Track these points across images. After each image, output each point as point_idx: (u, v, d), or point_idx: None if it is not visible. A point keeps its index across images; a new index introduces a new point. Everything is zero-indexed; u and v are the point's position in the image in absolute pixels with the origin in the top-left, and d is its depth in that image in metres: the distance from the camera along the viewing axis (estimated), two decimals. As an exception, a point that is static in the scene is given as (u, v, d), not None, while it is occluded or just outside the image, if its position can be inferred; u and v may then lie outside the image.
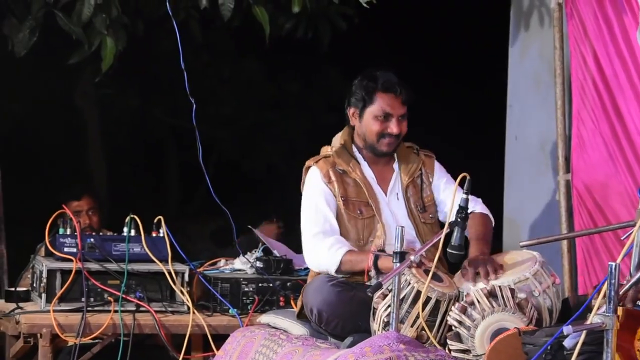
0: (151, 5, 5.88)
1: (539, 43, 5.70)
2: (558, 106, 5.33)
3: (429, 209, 4.50)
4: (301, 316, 4.42)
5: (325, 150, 4.57)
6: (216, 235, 7.99)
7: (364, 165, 4.51)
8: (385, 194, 4.49)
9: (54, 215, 4.79)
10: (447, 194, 4.48)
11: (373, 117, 4.43)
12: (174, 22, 5.03)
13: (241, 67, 9.46)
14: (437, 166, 4.58)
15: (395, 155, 4.55)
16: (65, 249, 4.71)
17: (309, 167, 4.54)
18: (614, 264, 3.05)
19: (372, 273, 4.24)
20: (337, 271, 4.33)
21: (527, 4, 5.78)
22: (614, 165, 4.96)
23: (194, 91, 4.94)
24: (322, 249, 4.36)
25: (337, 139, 4.59)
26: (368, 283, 4.26)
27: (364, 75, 4.50)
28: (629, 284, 3.24)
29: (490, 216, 4.49)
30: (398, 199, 4.49)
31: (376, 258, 4.22)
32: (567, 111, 5.33)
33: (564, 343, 3.17)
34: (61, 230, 4.74)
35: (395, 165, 4.54)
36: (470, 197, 4.39)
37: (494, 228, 4.49)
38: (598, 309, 3.12)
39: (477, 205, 4.45)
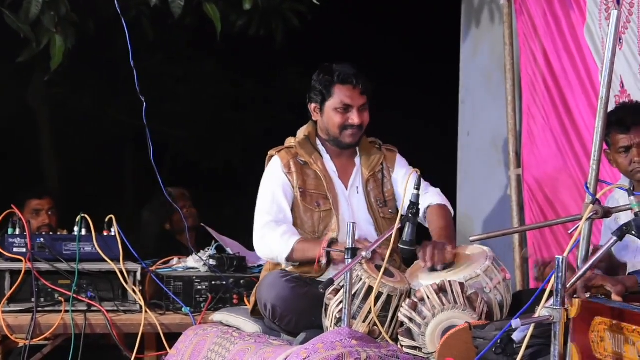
0: (102, 2, 5.82)
1: (489, 39, 5.74)
2: (508, 102, 5.37)
3: (390, 203, 4.50)
4: (255, 313, 4.41)
5: (289, 141, 4.57)
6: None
7: (326, 159, 4.51)
8: (346, 188, 4.49)
9: (3, 215, 4.74)
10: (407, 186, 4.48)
11: (333, 110, 4.43)
12: (123, 20, 4.99)
13: (197, 66, 9.43)
14: (399, 160, 4.59)
15: (358, 149, 4.56)
16: (15, 249, 4.67)
17: (271, 157, 4.53)
18: (561, 257, 3.07)
19: (323, 261, 4.23)
20: (287, 258, 4.31)
21: (477, 1, 5.82)
22: (563, 160, 5.00)
23: (147, 90, 4.92)
24: (274, 236, 4.35)
25: (302, 131, 4.58)
26: (319, 279, 4.27)
27: (321, 69, 4.50)
28: (576, 276, 3.26)
29: (449, 206, 4.50)
30: (358, 192, 4.49)
31: (328, 252, 4.21)
32: (517, 107, 5.37)
33: (513, 336, 3.19)
34: (10, 230, 4.69)
35: (357, 160, 4.55)
36: (428, 188, 4.42)
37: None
38: (546, 301, 3.14)
39: (434, 197, 4.47)
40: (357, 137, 4.48)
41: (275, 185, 4.44)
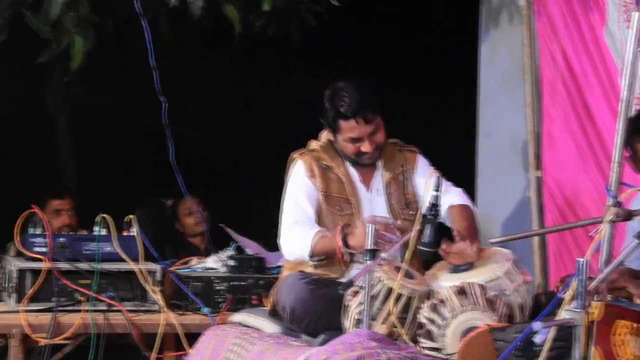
0: (121, 3, 5.84)
1: (508, 41, 5.73)
2: (527, 104, 5.36)
3: (411, 205, 4.49)
4: (274, 314, 4.42)
5: (312, 144, 4.57)
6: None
7: (348, 164, 4.51)
8: (368, 191, 4.50)
9: (24, 215, 4.76)
10: (428, 188, 4.49)
11: (344, 140, 4.43)
12: (143, 21, 5.00)
13: (212, 66, 9.44)
14: (420, 161, 4.58)
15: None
16: (36, 249, 4.68)
17: (294, 159, 4.53)
18: (582, 260, 3.07)
19: (344, 250, 4.23)
20: (311, 254, 4.31)
21: (496, 2, 5.81)
22: (583, 162, 4.99)
23: (164, 90, 4.93)
24: (296, 236, 4.35)
25: (325, 135, 4.58)
26: (338, 280, 4.27)
27: (327, 94, 4.43)
28: (598, 279, 3.26)
29: (471, 206, 4.49)
30: (379, 194, 4.49)
31: (344, 237, 4.20)
32: (536, 109, 5.36)
33: (534, 339, 3.19)
34: (31, 230, 4.72)
35: (379, 163, 4.54)
36: (450, 188, 4.42)
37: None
38: (568, 304, 3.14)
39: (456, 196, 4.46)
40: (375, 157, 4.47)
41: (298, 189, 4.45)
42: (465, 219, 4.37)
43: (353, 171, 4.50)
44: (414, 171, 4.54)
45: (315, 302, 4.17)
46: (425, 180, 4.48)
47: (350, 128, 4.38)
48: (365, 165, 4.50)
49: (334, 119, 4.40)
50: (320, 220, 4.43)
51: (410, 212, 4.48)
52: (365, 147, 4.41)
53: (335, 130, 4.43)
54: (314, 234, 4.29)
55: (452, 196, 4.45)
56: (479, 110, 6.01)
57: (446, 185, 4.47)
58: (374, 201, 4.48)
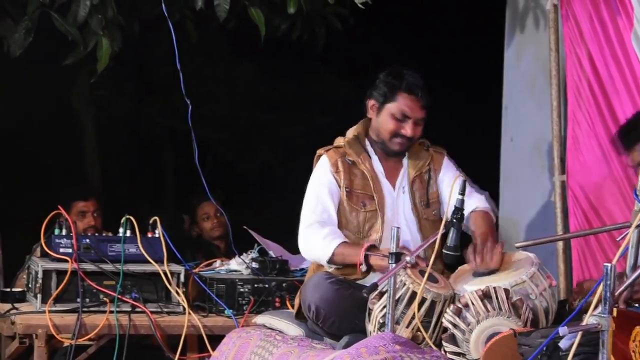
0: (147, 5, 5.87)
1: (534, 45, 5.71)
2: (553, 107, 5.34)
3: (433, 205, 4.49)
4: (299, 316, 4.41)
5: (338, 140, 4.57)
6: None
7: (374, 159, 4.51)
8: (394, 188, 4.49)
9: (50, 216, 4.79)
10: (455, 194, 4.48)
11: (390, 115, 4.43)
12: (170, 23, 5.02)
13: (237, 69, 9.46)
14: (446, 162, 4.57)
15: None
16: (61, 250, 4.70)
17: (319, 156, 4.54)
18: (609, 265, 3.05)
19: (363, 268, 4.24)
20: (329, 261, 4.33)
21: (522, 5, 5.79)
22: (608, 167, 4.96)
23: (189, 92, 4.94)
24: (316, 238, 4.36)
25: (352, 131, 4.58)
26: (362, 282, 4.27)
27: (390, 71, 4.49)
28: (625, 284, 3.24)
29: (491, 213, 4.48)
30: (404, 192, 4.49)
31: (366, 257, 4.21)
32: (562, 113, 5.34)
33: (559, 344, 3.17)
34: (57, 231, 4.74)
35: (405, 160, 4.54)
36: (474, 193, 4.41)
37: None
38: (594, 309, 3.13)
39: (479, 202, 4.45)
40: (405, 147, 4.47)
41: (321, 185, 4.46)
42: (485, 223, 4.36)
43: (379, 167, 4.50)
44: (439, 172, 4.54)
45: (340, 302, 4.17)
46: (449, 181, 4.46)
47: (407, 103, 4.39)
48: (391, 155, 4.49)
49: (393, 89, 4.40)
50: (342, 217, 4.44)
51: (433, 212, 4.47)
52: (407, 129, 4.41)
53: (388, 100, 4.41)
54: (337, 244, 4.30)
55: (476, 201, 4.44)
56: (504, 114, 5.99)
57: (470, 189, 4.46)
58: (398, 199, 4.47)
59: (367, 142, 4.54)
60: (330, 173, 4.45)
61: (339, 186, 4.45)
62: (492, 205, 4.54)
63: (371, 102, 4.50)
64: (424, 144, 4.59)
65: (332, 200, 4.43)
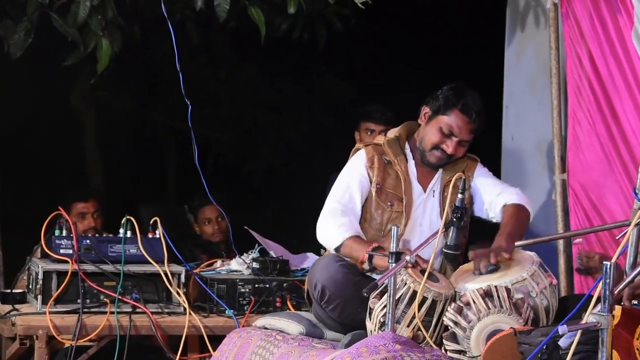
0: (147, 6, 5.87)
1: (534, 43, 5.71)
2: (554, 106, 5.34)
3: (466, 211, 4.48)
4: (308, 298, 4.44)
5: (379, 139, 4.60)
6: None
7: (411, 163, 4.53)
8: (424, 191, 4.50)
9: (50, 217, 4.79)
10: (484, 192, 4.50)
11: (438, 127, 4.45)
12: (170, 24, 5.02)
13: (238, 69, 9.46)
14: (479, 169, 4.59)
15: None
16: (61, 251, 4.70)
17: (358, 149, 4.58)
18: (609, 263, 3.05)
19: (366, 266, 4.24)
20: (336, 250, 4.36)
21: (523, 4, 5.79)
22: (609, 165, 4.96)
23: (190, 93, 4.94)
24: (333, 223, 4.39)
25: (393, 132, 4.61)
26: (370, 275, 4.27)
27: (454, 86, 4.52)
28: (625, 282, 3.24)
29: (526, 205, 4.47)
30: (434, 196, 4.50)
31: (370, 257, 4.22)
32: (562, 111, 5.33)
33: (559, 342, 3.17)
34: (57, 232, 4.74)
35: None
36: (507, 187, 4.43)
37: (493, 225, 4.48)
38: (593, 308, 3.13)
39: (512, 195, 4.46)
40: (442, 162, 4.49)
41: (353, 176, 4.50)
42: (512, 216, 4.36)
43: (413, 171, 4.52)
44: (472, 178, 4.54)
45: (347, 285, 4.20)
46: (483, 187, 4.51)
47: (457, 121, 4.41)
48: (427, 164, 4.50)
49: (449, 104, 4.43)
50: (368, 212, 4.46)
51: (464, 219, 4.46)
52: (449, 146, 4.43)
53: (441, 112, 4.43)
54: (349, 235, 4.32)
55: (509, 195, 4.45)
56: (504, 112, 5.99)
57: (503, 186, 4.52)
58: (427, 202, 4.48)
59: (407, 146, 4.55)
60: (365, 167, 4.49)
61: (370, 181, 4.48)
62: (525, 198, 4.52)
63: (425, 110, 4.52)
64: None
65: (360, 192, 4.47)
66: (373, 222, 4.45)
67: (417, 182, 4.51)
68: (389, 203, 4.46)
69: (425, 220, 4.45)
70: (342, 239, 4.32)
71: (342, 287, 4.18)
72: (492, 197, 4.46)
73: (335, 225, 4.37)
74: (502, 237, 4.22)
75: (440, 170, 4.54)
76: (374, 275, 4.23)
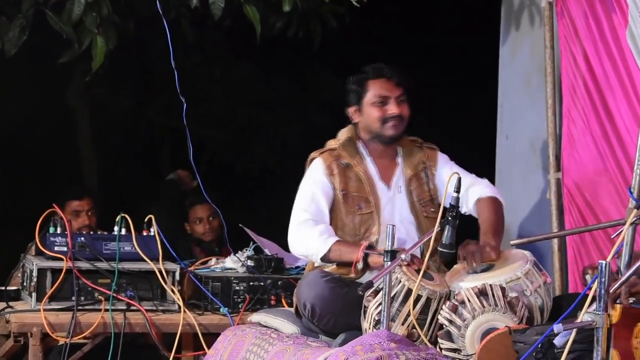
0: (142, 4, 5.87)
1: (529, 42, 5.71)
2: (548, 105, 5.34)
3: (433, 202, 4.50)
4: (298, 314, 4.41)
5: (331, 143, 4.59)
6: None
7: (368, 161, 4.52)
8: (389, 188, 4.49)
9: (44, 214, 4.78)
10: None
11: (371, 105, 4.46)
12: (165, 21, 5.02)
13: (233, 67, 9.46)
14: (441, 157, 4.59)
15: (400, 149, 4.55)
16: (56, 248, 4.71)
17: (313, 159, 4.55)
18: (604, 262, 3.06)
19: (360, 266, 4.24)
20: (323, 258, 4.32)
21: (517, 3, 5.79)
22: (604, 164, 4.96)
23: (185, 91, 4.94)
24: (311, 234, 4.36)
25: (343, 133, 4.60)
26: (358, 280, 4.27)
27: (354, 73, 4.54)
28: (619, 282, 3.24)
29: (499, 197, 4.48)
30: (400, 192, 4.49)
31: (366, 256, 4.22)
32: (557, 110, 5.34)
33: (554, 341, 3.18)
34: (51, 229, 4.74)
35: (399, 159, 4.55)
36: (476, 180, 4.41)
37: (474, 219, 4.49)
38: (588, 306, 3.13)
39: (485, 189, 4.46)
40: (400, 129, 4.48)
41: (315, 185, 4.46)
42: (492, 211, 4.36)
43: (373, 169, 4.50)
44: (435, 168, 4.54)
45: (335, 300, 4.17)
46: (446, 173, 4.45)
47: (379, 86, 4.45)
48: (390, 141, 4.48)
49: (362, 82, 4.47)
50: (338, 220, 4.43)
51: (432, 210, 4.47)
52: (392, 108, 4.43)
53: (362, 94, 4.45)
54: (334, 241, 4.30)
55: (481, 188, 4.45)
56: (499, 111, 5.99)
57: (472, 177, 4.49)
58: (395, 199, 4.47)
59: (359, 144, 4.54)
60: (325, 175, 4.46)
61: (334, 189, 4.45)
62: (496, 189, 4.53)
63: (351, 109, 4.55)
64: (416, 141, 4.60)
65: (326, 201, 4.44)
66: (346, 229, 4.43)
67: (380, 180, 4.49)
68: (357, 207, 4.44)
69: (396, 217, 4.43)
70: (328, 245, 4.30)
71: (331, 303, 4.16)
72: (462, 190, 4.44)
73: (314, 234, 4.34)
74: (489, 235, 4.22)
75: (401, 164, 4.52)
76: (364, 278, 4.23)
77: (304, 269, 4.81)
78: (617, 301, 3.22)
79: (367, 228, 4.42)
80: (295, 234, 4.42)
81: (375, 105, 4.44)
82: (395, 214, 4.44)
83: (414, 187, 4.49)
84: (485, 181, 4.53)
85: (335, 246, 4.30)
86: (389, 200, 4.46)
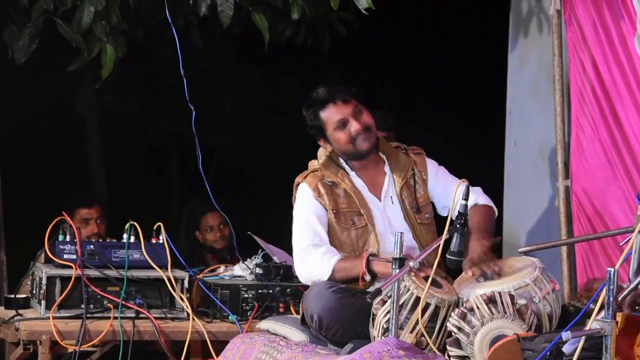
0: (151, 12, 5.89)
1: (538, 50, 5.71)
2: (557, 112, 5.34)
3: (424, 209, 4.49)
4: (304, 323, 4.41)
5: (312, 164, 4.59)
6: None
7: (353, 175, 4.51)
8: (380, 200, 4.49)
9: (53, 222, 4.79)
10: (444, 185, 4.49)
11: (334, 131, 4.45)
12: (174, 29, 5.03)
13: (241, 74, 9.48)
14: (429, 162, 4.58)
15: (385, 157, 4.55)
16: (65, 256, 4.71)
17: (298, 184, 4.56)
18: (612, 269, 3.05)
19: (367, 277, 4.24)
20: (329, 279, 4.32)
21: (526, 10, 5.79)
22: (612, 171, 4.96)
23: (194, 98, 4.95)
24: (313, 259, 4.36)
25: (323, 152, 4.61)
26: (365, 289, 4.27)
27: (304, 107, 4.56)
28: (628, 289, 3.24)
29: (493, 207, 4.49)
30: (392, 202, 4.49)
31: (368, 262, 4.21)
32: (566, 117, 5.34)
33: (563, 349, 3.18)
34: (61, 237, 4.75)
35: (387, 169, 4.54)
36: (471, 188, 4.41)
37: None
38: (597, 314, 3.13)
39: (479, 197, 4.46)
40: (372, 139, 4.47)
41: (306, 211, 4.46)
42: (485, 217, 4.36)
43: (359, 181, 4.50)
44: (425, 173, 4.54)
45: (342, 311, 4.16)
46: (435, 178, 4.50)
47: (332, 113, 4.43)
48: (367, 153, 4.46)
49: (315, 115, 4.47)
50: (334, 239, 4.44)
51: (426, 216, 4.47)
52: (354, 126, 4.41)
53: (322, 126, 4.46)
54: (337, 260, 4.30)
55: (476, 196, 4.44)
56: (507, 118, 5.99)
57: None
58: (387, 209, 4.47)
59: (340, 160, 4.54)
60: (314, 198, 4.46)
61: (325, 209, 4.45)
62: (488, 197, 4.53)
63: (320, 142, 4.56)
64: (400, 148, 4.59)
65: (321, 224, 4.44)
66: (344, 246, 4.42)
67: (369, 192, 4.49)
68: (350, 222, 4.44)
69: (393, 227, 4.41)
70: (332, 265, 4.30)
71: (337, 314, 4.14)
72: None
73: (317, 258, 4.35)
74: (482, 233, 4.22)
75: (389, 173, 4.51)
76: (371, 286, 4.22)
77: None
78: (619, 309, 3.21)
79: (364, 241, 4.41)
80: (299, 263, 4.44)
81: (338, 130, 4.44)
82: (391, 225, 4.43)
83: (406, 195, 4.49)
84: (479, 189, 4.53)
85: (339, 264, 4.30)
86: (381, 211, 4.46)
